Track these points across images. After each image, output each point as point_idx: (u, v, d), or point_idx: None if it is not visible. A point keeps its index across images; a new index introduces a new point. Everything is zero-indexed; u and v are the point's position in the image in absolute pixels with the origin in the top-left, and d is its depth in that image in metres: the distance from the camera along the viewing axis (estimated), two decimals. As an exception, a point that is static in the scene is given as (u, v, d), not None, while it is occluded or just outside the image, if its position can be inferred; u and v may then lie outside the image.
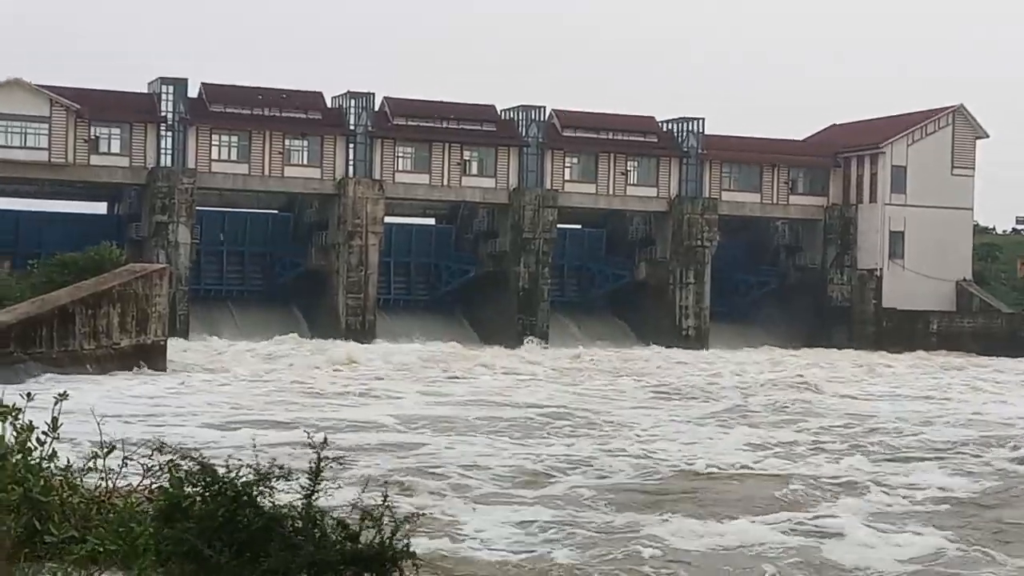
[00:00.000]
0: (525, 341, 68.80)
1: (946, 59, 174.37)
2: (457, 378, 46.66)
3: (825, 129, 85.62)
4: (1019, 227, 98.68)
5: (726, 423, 32.57)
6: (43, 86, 65.24)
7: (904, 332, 74.38)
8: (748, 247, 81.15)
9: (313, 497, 7.35)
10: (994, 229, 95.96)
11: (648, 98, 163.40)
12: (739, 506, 19.58)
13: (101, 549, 7.54)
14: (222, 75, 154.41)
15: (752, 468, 24.13)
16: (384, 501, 7.25)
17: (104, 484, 8.74)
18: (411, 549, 7.18)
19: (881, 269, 77.06)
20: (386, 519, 7.20)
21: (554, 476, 22.43)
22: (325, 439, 7.64)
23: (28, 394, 9.16)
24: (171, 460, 7.73)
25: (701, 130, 76.27)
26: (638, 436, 28.78)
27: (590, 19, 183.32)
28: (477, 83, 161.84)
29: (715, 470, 23.55)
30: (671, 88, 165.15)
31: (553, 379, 47.81)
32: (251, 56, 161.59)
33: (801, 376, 49.68)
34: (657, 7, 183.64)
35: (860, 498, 20.67)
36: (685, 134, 76.46)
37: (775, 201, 78.76)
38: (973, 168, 79.01)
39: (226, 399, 35.56)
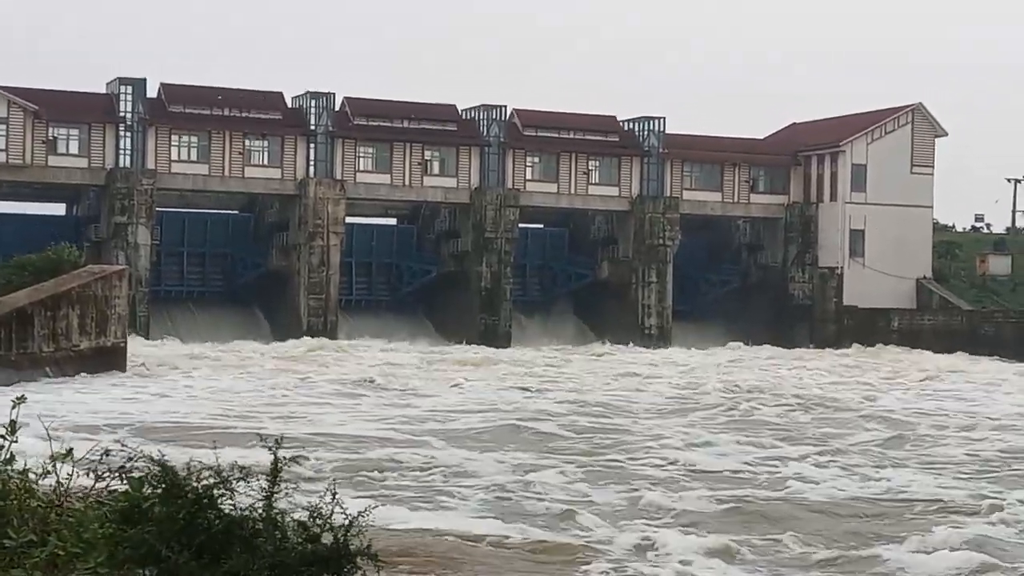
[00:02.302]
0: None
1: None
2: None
3: (785, 128, 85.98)
4: (978, 224, 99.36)
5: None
6: (0, 87, 64.78)
7: (865, 330, 74.74)
8: (710, 246, 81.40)
9: (273, 499, 7.31)
10: (953, 227, 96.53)
11: (616, 99, 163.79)
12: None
13: (61, 552, 7.48)
14: (181, 76, 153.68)
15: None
16: (333, 499, 7.22)
17: (62, 487, 8.67)
18: (371, 549, 7.15)
19: (842, 267, 77.45)
20: (338, 517, 7.17)
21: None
22: (279, 439, 7.59)
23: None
24: (128, 461, 7.67)
25: (662, 129, 76.45)
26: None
27: (542, 18, 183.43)
28: (439, 83, 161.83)
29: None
30: (640, 89, 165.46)
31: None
32: (208, 57, 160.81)
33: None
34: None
35: None
36: (646, 133, 76.64)
37: (736, 200, 79.05)
38: (932, 166, 79.50)
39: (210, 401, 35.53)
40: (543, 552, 16.71)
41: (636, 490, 21.78)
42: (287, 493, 7.36)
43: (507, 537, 17.35)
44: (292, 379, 43.69)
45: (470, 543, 16.78)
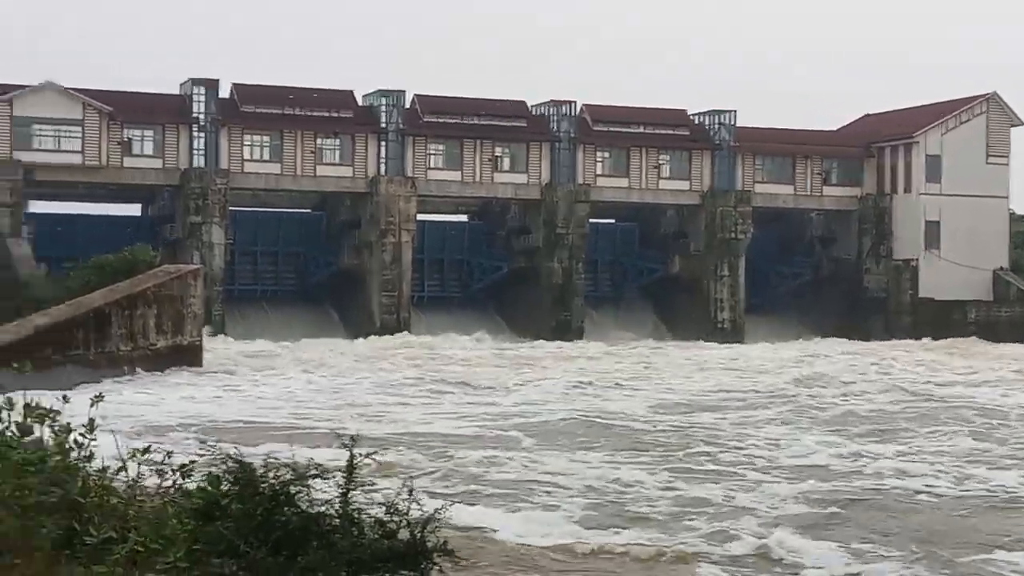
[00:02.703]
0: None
1: (982, 46, 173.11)
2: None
3: (858, 119, 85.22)
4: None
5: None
6: (76, 89, 65.54)
7: (941, 322, 73.90)
8: (782, 239, 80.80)
9: (349, 495, 7.35)
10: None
11: (677, 92, 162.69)
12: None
13: (141, 548, 7.54)
14: (251, 76, 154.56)
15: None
16: (410, 495, 7.24)
17: (141, 484, 8.75)
18: (447, 545, 7.17)
19: (917, 259, 76.61)
20: (415, 513, 7.19)
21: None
22: (355, 436, 7.63)
23: (64, 396, 9.18)
24: (201, 459, 7.74)
25: (733, 122, 76.00)
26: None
27: (609, 17, 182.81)
28: (500, 80, 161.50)
29: None
30: (697, 83, 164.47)
31: None
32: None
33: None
34: (667, 4, 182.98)
35: None
36: (717, 126, 76.23)
37: (808, 192, 78.43)
38: (1008, 156, 78.48)
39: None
40: (650, 560, 16.06)
41: (751, 490, 21.22)
42: (364, 490, 7.39)
43: (608, 543, 16.75)
44: (369, 377, 43.80)
45: (566, 550, 16.31)
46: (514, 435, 28.49)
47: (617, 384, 42.93)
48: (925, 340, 70.39)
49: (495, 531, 17.05)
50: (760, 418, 33.08)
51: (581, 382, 42.87)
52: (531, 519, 18.26)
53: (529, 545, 16.43)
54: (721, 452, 26.23)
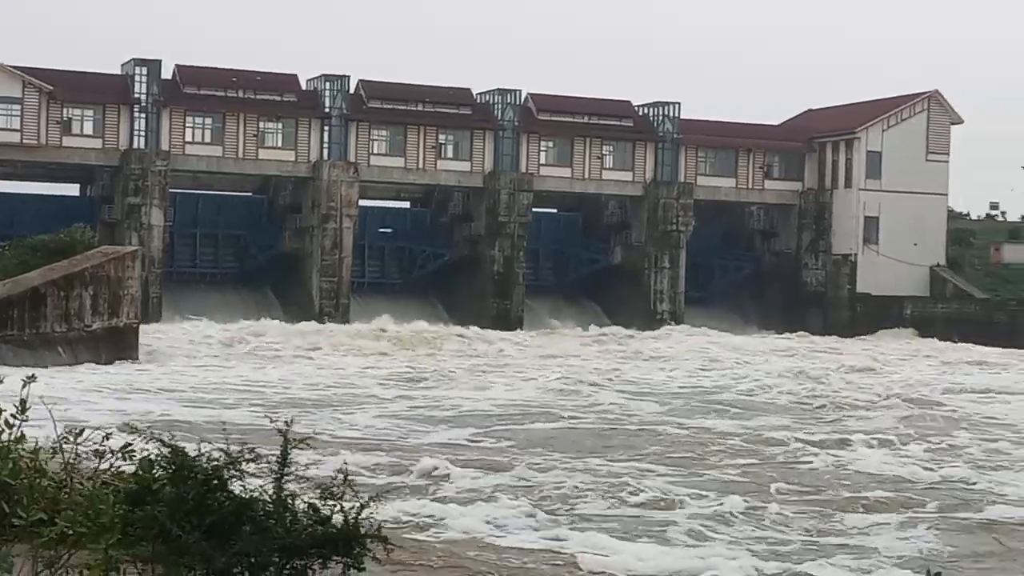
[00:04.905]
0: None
1: (923, 38, 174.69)
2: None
3: (800, 114, 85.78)
4: (993, 212, 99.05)
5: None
6: (16, 67, 64.82)
7: (878, 317, 74.65)
8: (723, 232, 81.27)
9: (283, 481, 7.32)
10: (968, 215, 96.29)
11: (621, 84, 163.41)
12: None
13: (71, 532, 7.48)
14: (196, 57, 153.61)
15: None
16: (344, 480, 7.22)
17: (72, 467, 8.66)
18: (381, 531, 7.15)
19: (856, 254, 77.28)
20: (349, 498, 7.17)
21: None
22: (289, 421, 7.59)
23: (-4, 376, 9.07)
24: (134, 442, 7.68)
25: (677, 114, 76.25)
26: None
27: (561, 6, 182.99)
28: (451, 67, 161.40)
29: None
30: (643, 73, 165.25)
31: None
32: (225, 39, 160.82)
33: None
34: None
35: None
36: (661, 118, 76.46)
37: (750, 186, 78.91)
38: (948, 154, 79.25)
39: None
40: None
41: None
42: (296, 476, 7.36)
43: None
44: (308, 365, 43.64)
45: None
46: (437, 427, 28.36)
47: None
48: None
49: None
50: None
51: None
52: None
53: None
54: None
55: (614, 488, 20.41)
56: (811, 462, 24.61)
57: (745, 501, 19.71)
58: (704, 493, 20.41)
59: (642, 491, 20.15)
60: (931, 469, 24.04)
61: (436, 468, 21.59)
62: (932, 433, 29.67)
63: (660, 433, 28.44)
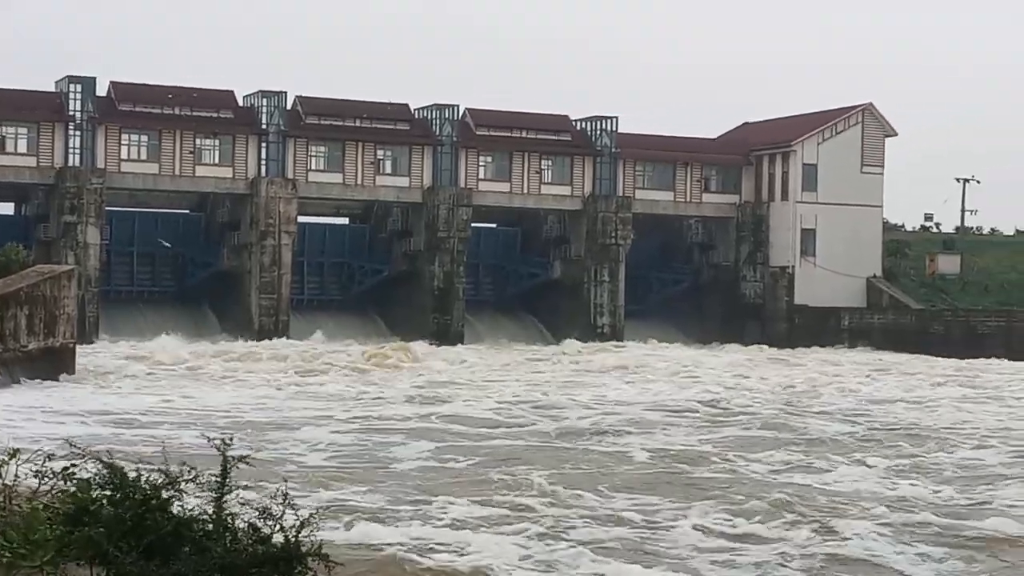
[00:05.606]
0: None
1: (858, 51, 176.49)
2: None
3: (738, 127, 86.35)
4: (927, 224, 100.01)
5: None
6: (-52, 85, 64.14)
7: (816, 328, 75.19)
8: (662, 245, 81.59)
9: (223, 500, 7.26)
10: (903, 226, 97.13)
11: (561, 97, 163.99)
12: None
13: (8, 553, 7.39)
14: (132, 74, 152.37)
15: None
16: (284, 500, 7.18)
17: (9, 487, 8.57)
18: (321, 549, 7.11)
19: (793, 266, 77.83)
20: (289, 518, 7.13)
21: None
22: (227, 440, 7.54)
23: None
24: (73, 463, 7.60)
25: (615, 129, 76.54)
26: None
27: (497, 18, 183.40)
28: (389, 83, 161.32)
29: None
30: (580, 88, 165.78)
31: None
32: (161, 55, 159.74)
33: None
34: (567, 6, 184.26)
35: None
36: (599, 133, 76.72)
37: (688, 199, 79.30)
38: (882, 166, 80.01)
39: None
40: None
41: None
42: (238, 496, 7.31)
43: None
44: (248, 385, 43.32)
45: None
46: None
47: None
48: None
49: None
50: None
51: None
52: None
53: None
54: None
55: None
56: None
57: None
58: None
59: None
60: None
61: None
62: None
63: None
